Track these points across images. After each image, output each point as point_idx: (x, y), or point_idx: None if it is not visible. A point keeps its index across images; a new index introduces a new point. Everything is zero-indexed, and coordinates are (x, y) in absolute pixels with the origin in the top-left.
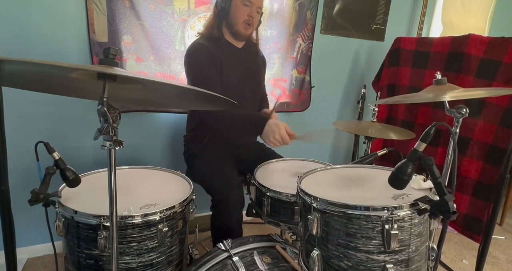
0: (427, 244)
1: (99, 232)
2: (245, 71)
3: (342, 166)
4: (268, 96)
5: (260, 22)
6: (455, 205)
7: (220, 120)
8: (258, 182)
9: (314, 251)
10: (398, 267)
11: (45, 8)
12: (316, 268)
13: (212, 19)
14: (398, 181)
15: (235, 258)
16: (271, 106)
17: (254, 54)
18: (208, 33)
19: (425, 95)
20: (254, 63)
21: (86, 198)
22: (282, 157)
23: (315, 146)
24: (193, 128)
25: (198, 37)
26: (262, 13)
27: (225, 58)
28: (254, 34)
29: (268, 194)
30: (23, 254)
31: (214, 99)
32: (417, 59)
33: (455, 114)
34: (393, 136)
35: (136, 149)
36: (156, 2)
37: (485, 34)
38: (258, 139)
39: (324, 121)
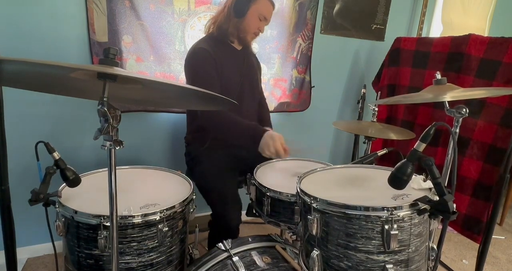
0: (427, 244)
1: (99, 232)
2: (244, 72)
3: (342, 166)
4: (268, 97)
5: None
6: (454, 205)
7: (217, 123)
8: (258, 182)
9: (314, 251)
10: (398, 267)
11: (45, 8)
12: (316, 268)
13: (222, 19)
14: (398, 181)
15: (235, 258)
16: None
17: (250, 54)
18: (217, 33)
19: (425, 95)
20: (251, 64)
21: (86, 198)
22: None
23: (315, 145)
24: (193, 130)
25: (203, 37)
26: None
27: (226, 60)
28: None
29: (268, 194)
30: (23, 254)
31: (214, 99)
32: (417, 59)
33: (455, 114)
34: (393, 136)
35: (136, 149)
36: (156, 2)
37: (485, 34)
38: None
39: (324, 121)
